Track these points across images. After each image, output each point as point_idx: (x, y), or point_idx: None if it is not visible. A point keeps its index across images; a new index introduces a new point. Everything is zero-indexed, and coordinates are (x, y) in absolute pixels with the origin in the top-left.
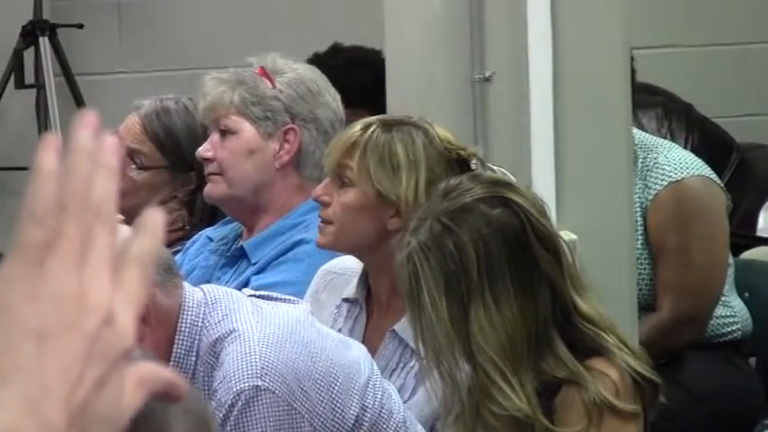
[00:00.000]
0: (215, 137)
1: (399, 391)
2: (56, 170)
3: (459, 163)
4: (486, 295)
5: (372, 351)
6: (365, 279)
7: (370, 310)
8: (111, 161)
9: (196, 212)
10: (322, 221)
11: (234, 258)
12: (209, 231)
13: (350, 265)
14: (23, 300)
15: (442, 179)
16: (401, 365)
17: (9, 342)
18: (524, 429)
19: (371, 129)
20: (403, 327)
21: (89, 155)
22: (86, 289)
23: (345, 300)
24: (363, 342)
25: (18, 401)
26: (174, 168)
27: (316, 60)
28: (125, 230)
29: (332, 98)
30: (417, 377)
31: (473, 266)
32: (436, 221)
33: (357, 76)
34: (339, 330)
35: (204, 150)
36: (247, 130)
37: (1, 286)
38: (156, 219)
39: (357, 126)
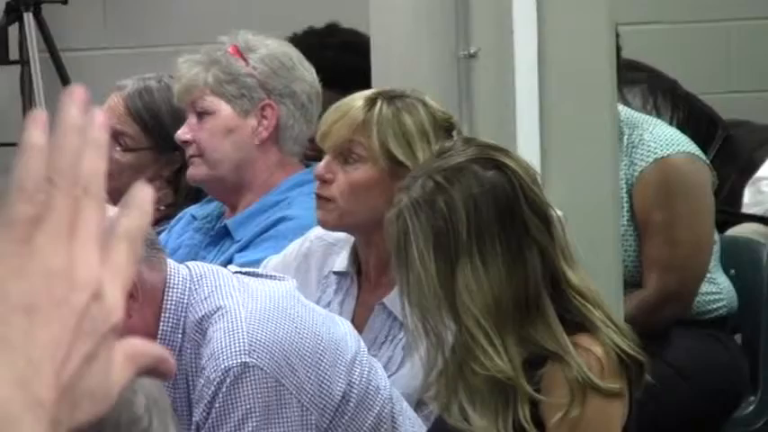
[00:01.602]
0: (192, 119)
1: (387, 363)
2: (44, 146)
3: (449, 132)
4: (473, 254)
5: (361, 324)
6: (355, 253)
7: (360, 283)
8: (99, 136)
9: (181, 192)
10: (321, 199)
11: (218, 237)
12: (193, 209)
13: (340, 236)
14: (12, 275)
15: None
16: (390, 338)
17: None
18: (506, 393)
19: (378, 104)
20: (392, 300)
21: (78, 130)
22: (75, 264)
23: (335, 273)
24: (353, 315)
25: (6, 376)
26: (158, 149)
27: (310, 33)
28: (112, 210)
29: (307, 71)
30: (405, 350)
31: (462, 225)
32: (429, 179)
33: (349, 60)
34: (328, 303)
35: (183, 133)
36: (224, 109)
37: None
38: (144, 194)
39: (358, 102)
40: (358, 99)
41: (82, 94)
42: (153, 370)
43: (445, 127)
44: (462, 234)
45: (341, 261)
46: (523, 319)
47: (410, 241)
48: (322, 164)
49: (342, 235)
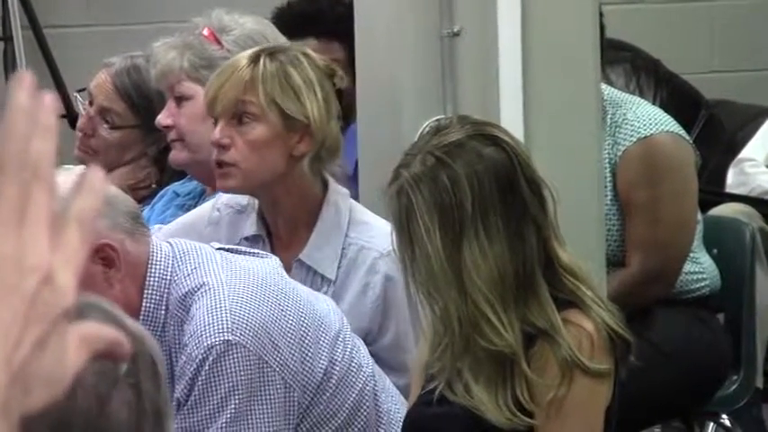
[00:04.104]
0: (171, 104)
1: None
2: None
3: (332, 78)
4: (479, 229)
5: None
6: (262, 216)
7: (272, 246)
8: (49, 120)
9: (167, 170)
10: (220, 165)
11: None
12: (175, 186)
13: (246, 202)
14: None
15: (331, 94)
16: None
17: None
18: (504, 368)
19: (261, 60)
20: (307, 255)
21: (26, 114)
22: (24, 249)
23: (245, 239)
24: None
25: None
26: (145, 127)
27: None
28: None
29: None
30: (334, 298)
31: (467, 199)
32: (429, 155)
33: (336, 8)
34: None
35: (163, 118)
36: (201, 94)
37: None
38: (96, 176)
39: (242, 62)
40: (241, 59)
41: (30, 78)
42: (108, 354)
43: (328, 74)
44: (467, 208)
45: (249, 226)
46: (523, 299)
47: (414, 217)
48: (217, 130)
49: (247, 200)
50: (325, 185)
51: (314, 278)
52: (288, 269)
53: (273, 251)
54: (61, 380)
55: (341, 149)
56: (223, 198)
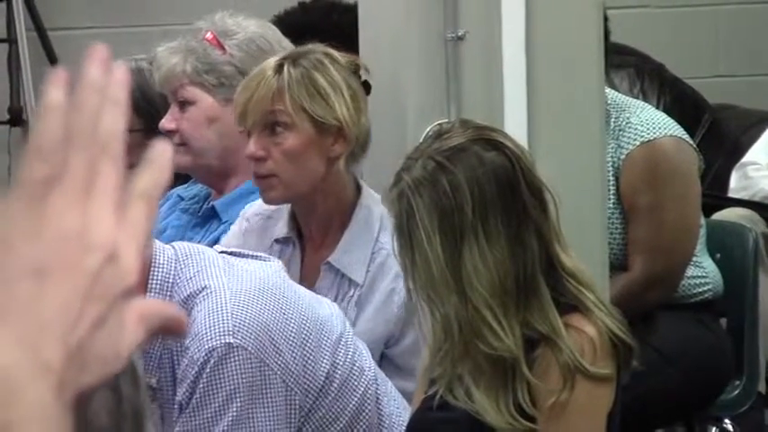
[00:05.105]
0: (175, 108)
1: None
2: (62, 105)
3: (357, 73)
4: (479, 234)
5: (310, 286)
6: (294, 218)
7: (303, 247)
8: (119, 96)
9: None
10: (261, 178)
11: (205, 218)
12: (179, 190)
13: (271, 207)
14: (24, 236)
15: (358, 90)
16: (341, 296)
17: (7, 279)
18: (506, 373)
19: (284, 69)
20: (337, 258)
21: (98, 89)
22: (89, 226)
23: (276, 240)
24: (300, 279)
25: (14, 339)
26: (149, 131)
27: (299, 8)
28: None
29: (285, 51)
30: (358, 306)
31: (467, 204)
32: (430, 159)
33: (333, 19)
34: None
35: (167, 122)
36: (205, 99)
37: (1, 222)
38: (163, 154)
39: (266, 73)
40: (266, 70)
41: (103, 53)
42: (166, 330)
43: (353, 70)
44: (468, 213)
45: (280, 228)
46: (524, 304)
47: (415, 221)
48: (251, 143)
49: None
50: (359, 188)
51: (341, 281)
52: (317, 271)
53: (303, 253)
54: (117, 358)
55: (369, 143)
56: (254, 207)
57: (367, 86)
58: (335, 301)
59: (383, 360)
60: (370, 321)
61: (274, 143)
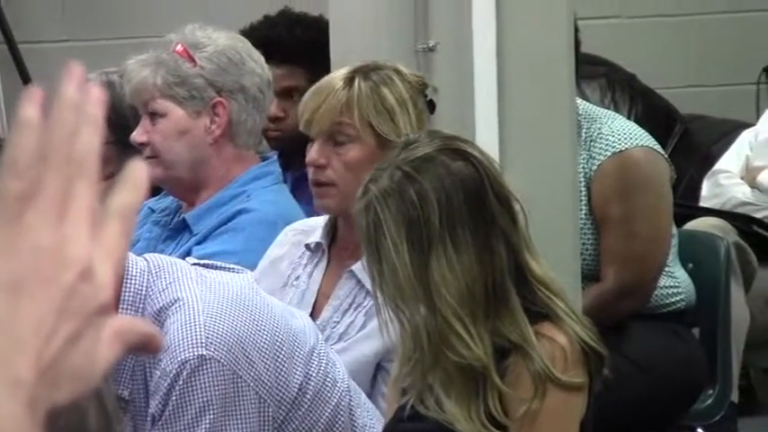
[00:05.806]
0: (146, 121)
1: (347, 329)
2: (38, 122)
3: (424, 92)
4: (446, 243)
5: (328, 292)
6: (331, 227)
7: (333, 255)
8: (95, 114)
9: None
10: (319, 185)
11: (176, 230)
12: (150, 202)
13: (311, 222)
14: None
15: (423, 111)
16: (354, 305)
17: None
18: (476, 382)
19: (355, 82)
20: (360, 267)
21: (74, 107)
22: (64, 242)
23: (307, 246)
24: (321, 285)
25: None
26: (120, 144)
27: (265, 22)
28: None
29: (255, 63)
30: (368, 315)
31: (434, 214)
32: (397, 170)
33: (296, 34)
34: (298, 276)
35: (138, 135)
36: (175, 111)
37: None
38: (139, 172)
39: (337, 84)
40: (336, 80)
41: (80, 72)
42: (141, 347)
43: (419, 89)
44: (435, 223)
45: (315, 236)
46: (494, 312)
47: (382, 232)
48: (314, 149)
49: (312, 221)
50: None
51: (359, 291)
52: (338, 278)
53: (330, 261)
54: (91, 375)
55: None
56: (292, 225)
57: (432, 105)
58: (348, 309)
59: (380, 371)
60: (373, 330)
61: (336, 153)
